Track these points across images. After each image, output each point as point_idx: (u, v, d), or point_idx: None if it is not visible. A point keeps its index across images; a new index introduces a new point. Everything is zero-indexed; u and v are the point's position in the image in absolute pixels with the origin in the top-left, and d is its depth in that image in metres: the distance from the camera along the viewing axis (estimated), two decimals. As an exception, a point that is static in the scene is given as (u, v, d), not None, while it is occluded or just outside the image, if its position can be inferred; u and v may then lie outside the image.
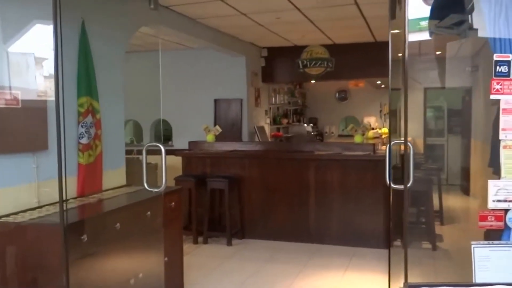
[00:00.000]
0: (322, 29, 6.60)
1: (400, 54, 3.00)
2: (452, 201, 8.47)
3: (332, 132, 11.01)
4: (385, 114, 10.49)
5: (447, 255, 5.78)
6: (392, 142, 3.55)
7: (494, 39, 2.74)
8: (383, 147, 6.72)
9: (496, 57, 2.74)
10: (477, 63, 9.51)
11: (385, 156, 6.09)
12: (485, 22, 2.72)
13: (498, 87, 2.71)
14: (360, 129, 6.31)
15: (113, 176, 4.45)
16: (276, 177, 6.35)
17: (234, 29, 6.84)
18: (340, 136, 11.00)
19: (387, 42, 7.79)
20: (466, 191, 9.84)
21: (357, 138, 6.28)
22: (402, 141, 3.65)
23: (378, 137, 7.84)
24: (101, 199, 3.88)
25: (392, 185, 3.57)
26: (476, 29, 2.99)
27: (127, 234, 3.57)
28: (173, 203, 4.36)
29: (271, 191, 6.38)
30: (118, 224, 3.42)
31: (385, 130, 9.27)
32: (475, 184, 9.81)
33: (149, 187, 3.54)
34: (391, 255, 5.84)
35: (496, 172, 5.14)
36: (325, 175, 6.13)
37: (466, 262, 5.85)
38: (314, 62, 8.18)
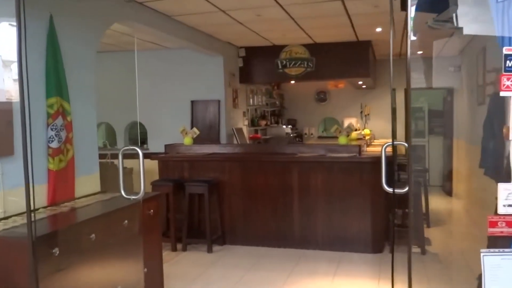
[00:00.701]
0: (304, 27, 6.41)
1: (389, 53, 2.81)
2: (436, 203, 8.39)
3: (312, 134, 10.84)
4: (366, 115, 10.38)
5: (436, 259, 5.64)
6: (388, 144, 3.36)
7: (503, 31, 2.53)
8: (368, 149, 6.56)
9: (505, 50, 2.53)
10: (459, 63, 9.52)
11: (370, 158, 5.95)
12: (491, 13, 2.52)
13: (508, 83, 2.49)
14: (345, 130, 6.12)
15: (87, 183, 4.14)
16: (258, 181, 6.11)
17: (211, 28, 6.58)
18: (320, 137, 10.85)
19: (370, 42, 7.66)
20: (448, 192, 9.81)
21: (342, 140, 6.09)
22: (402, 142, 3.47)
23: (362, 138, 7.69)
24: (74, 208, 3.57)
25: (388, 189, 3.38)
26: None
27: (103, 245, 3.28)
28: (152, 210, 4.07)
29: (253, 195, 6.14)
30: (93, 235, 3.13)
31: (367, 131, 9.14)
32: (457, 184, 9.80)
33: (126, 194, 3.24)
34: (381, 260, 5.71)
35: (488, 173, 5.01)
36: (309, 178, 5.92)
37: (457, 267, 5.72)
38: (293, 62, 7.98)
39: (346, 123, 10.58)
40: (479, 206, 7.54)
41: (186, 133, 6.70)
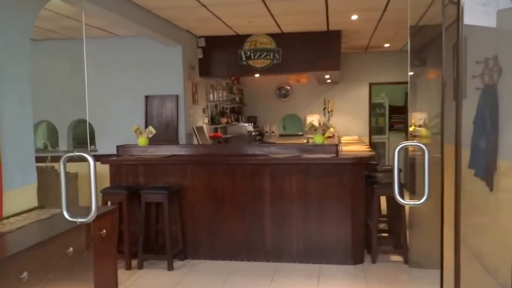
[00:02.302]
0: (273, 11, 5.74)
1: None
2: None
3: (273, 132, 10.22)
4: (329, 112, 9.88)
5: (422, 270, 5.15)
6: (402, 144, 2.76)
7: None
8: (345, 148, 6.00)
9: None
10: (426, 56, 9.19)
11: (350, 158, 5.38)
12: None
13: None
14: (321, 128, 5.52)
15: (19, 197, 3.29)
16: (224, 186, 5.40)
17: (170, 12, 5.78)
18: (281, 136, 10.25)
19: (340, 32, 7.05)
20: (412, 190, 9.48)
21: (318, 139, 5.49)
22: (414, 143, 2.88)
23: (332, 136, 7.14)
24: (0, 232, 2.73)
25: (402, 201, 2.78)
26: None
27: (40, 284, 2.48)
28: (104, 230, 3.28)
29: (218, 202, 5.42)
30: (25, 274, 2.33)
31: (332, 128, 8.61)
32: (419, 183, 9.48)
33: (71, 216, 2.45)
34: (365, 272, 5.15)
35: (479, 174, 4.53)
36: (283, 182, 5.28)
37: (445, 278, 5.19)
38: (259, 54, 7.31)
39: (309, 120, 10.06)
40: (451, 206, 7.18)
41: (140, 133, 5.88)
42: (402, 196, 2.76)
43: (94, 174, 2.45)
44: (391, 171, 6.68)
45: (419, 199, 2.73)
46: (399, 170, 2.78)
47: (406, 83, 10.06)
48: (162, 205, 5.22)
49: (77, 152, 2.48)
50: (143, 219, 5.25)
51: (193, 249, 5.49)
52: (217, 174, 5.42)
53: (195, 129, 6.84)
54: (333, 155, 5.31)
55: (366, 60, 9.73)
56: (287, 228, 5.32)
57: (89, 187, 2.47)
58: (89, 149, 6.87)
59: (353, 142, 7.70)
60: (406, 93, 10.76)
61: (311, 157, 5.21)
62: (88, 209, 2.45)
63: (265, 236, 5.36)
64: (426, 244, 5.94)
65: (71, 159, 2.51)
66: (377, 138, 10.78)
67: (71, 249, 2.77)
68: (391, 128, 11.63)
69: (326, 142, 5.77)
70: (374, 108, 10.83)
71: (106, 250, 3.32)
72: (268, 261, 5.33)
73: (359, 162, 5.18)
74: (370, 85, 9.85)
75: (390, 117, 11.65)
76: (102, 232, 3.23)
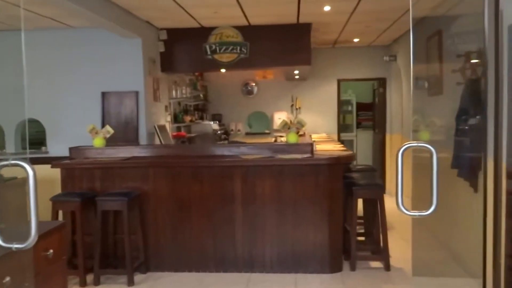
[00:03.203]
0: (241, 0, 5.29)
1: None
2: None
3: (239, 130, 9.77)
4: (297, 109, 9.53)
5: (404, 276, 4.86)
6: (406, 145, 2.38)
7: None
8: (318, 147, 5.63)
9: None
10: (395, 51, 8.98)
11: (326, 159, 5.01)
12: None
13: None
14: (294, 126, 5.13)
15: None
16: (190, 191, 4.93)
17: (129, 0, 5.25)
18: (247, 134, 9.82)
19: (310, 25, 6.66)
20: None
21: (291, 137, 5.10)
22: (420, 143, 2.51)
23: (303, 134, 6.77)
24: None
25: (407, 212, 2.41)
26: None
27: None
28: (51, 250, 2.76)
29: (184, 208, 4.95)
30: None
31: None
32: (391, 182, 9.32)
33: (4, 241, 1.94)
34: (344, 282, 4.79)
35: (462, 174, 4.24)
36: (255, 185, 4.86)
37: (430, 285, 4.87)
38: (225, 47, 6.84)
39: (276, 117, 9.69)
40: (424, 206, 6.97)
41: (96, 133, 5.33)
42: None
43: (34, 188, 1.94)
44: (366, 170, 6.41)
45: (427, 209, 2.38)
46: (402, 176, 2.41)
47: (374, 79, 9.87)
48: (121, 213, 4.70)
49: (20, 156, 1.97)
50: (99, 229, 4.71)
51: (156, 261, 4.99)
52: (182, 177, 4.94)
53: (157, 128, 6.32)
54: (308, 155, 4.93)
55: (334, 56, 9.44)
56: (260, 235, 4.91)
57: (28, 202, 1.96)
58: (27, 151, 6.21)
59: (324, 140, 7.37)
60: (374, 90, 10.56)
61: (285, 158, 4.81)
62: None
63: (236, 245, 4.93)
64: (430, 250, 5.68)
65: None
66: (344, 136, 10.53)
67: (7, 279, 2.25)
68: (358, 125, 11.43)
69: (296, 140, 5.39)
70: (341, 105, 10.57)
71: (53, 274, 2.80)
72: (240, 271, 4.91)
73: (336, 163, 4.82)
74: (339, 81, 9.57)
75: (357, 115, 11.44)
76: (48, 253, 2.71)
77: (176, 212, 4.96)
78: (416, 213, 2.40)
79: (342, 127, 10.44)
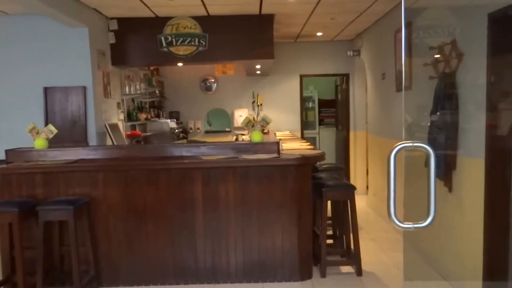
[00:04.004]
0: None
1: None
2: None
3: (198, 128, 9.28)
4: (259, 106, 9.14)
5: (376, 280, 4.56)
6: (400, 145, 2.02)
7: None
8: (285, 146, 5.26)
9: None
10: (359, 46, 8.72)
11: (294, 159, 4.64)
12: None
13: None
14: (259, 123, 4.73)
15: None
16: (146, 196, 4.44)
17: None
18: (207, 132, 9.36)
19: (273, 16, 6.24)
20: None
21: (256, 136, 4.69)
22: (416, 143, 2.16)
23: (267, 132, 6.39)
24: None
25: (401, 225, 2.06)
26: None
27: None
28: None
29: (139, 216, 4.46)
30: None
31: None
32: (355, 180, 9.10)
33: None
34: (312, 286, 4.45)
35: (437, 174, 3.96)
36: (217, 188, 4.43)
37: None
38: (182, 39, 6.35)
39: (237, 115, 9.28)
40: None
41: (37, 133, 4.74)
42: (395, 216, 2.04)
43: None
44: (333, 169, 6.08)
45: (424, 220, 2.03)
46: (395, 182, 2.05)
47: (337, 75, 9.62)
48: (66, 223, 4.16)
49: None
50: (41, 242, 4.15)
51: (109, 275, 4.48)
52: (136, 181, 4.44)
53: (108, 127, 5.76)
54: (275, 154, 4.54)
55: (296, 51, 9.11)
56: (223, 243, 4.49)
57: None
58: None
59: (289, 138, 7.02)
60: (336, 86, 10.32)
61: (250, 158, 4.40)
62: None
63: (198, 254, 4.48)
64: (370, 248, 5.40)
65: None
66: (307, 133, 10.24)
67: None
68: (321, 122, 11.18)
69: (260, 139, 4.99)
70: (303, 102, 10.27)
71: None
72: (202, 283, 4.48)
73: (306, 163, 4.46)
74: (301, 77, 9.25)
75: (319, 111, 11.19)
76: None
77: (130, 220, 4.45)
78: (410, 225, 2.05)
79: (304, 125, 10.14)
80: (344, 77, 9.38)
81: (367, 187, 8.42)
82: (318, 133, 10.97)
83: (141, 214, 4.44)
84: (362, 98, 9.13)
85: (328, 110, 11.13)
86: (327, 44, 9.09)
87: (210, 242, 4.48)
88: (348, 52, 8.53)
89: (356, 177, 9.08)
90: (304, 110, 10.13)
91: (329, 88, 10.98)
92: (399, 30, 6.07)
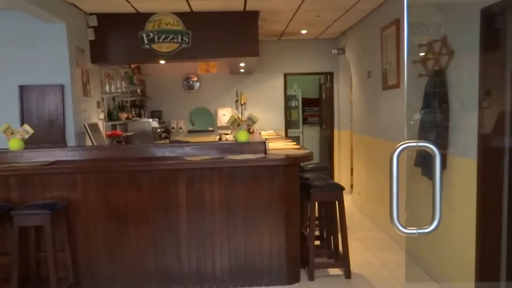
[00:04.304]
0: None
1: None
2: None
3: (181, 128, 9.09)
4: (242, 105, 9.00)
5: (366, 283, 4.47)
6: (404, 145, 1.90)
7: None
8: (271, 146, 5.12)
9: None
10: (343, 44, 8.64)
11: (282, 159, 4.50)
12: None
13: None
14: (245, 122, 4.59)
15: None
16: (127, 199, 4.26)
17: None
18: (190, 132, 9.17)
19: (258, 13, 6.12)
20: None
21: (242, 136, 4.55)
22: (421, 143, 2.04)
23: (252, 132, 6.24)
24: None
25: (405, 230, 1.94)
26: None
27: None
28: None
29: (121, 219, 4.28)
30: None
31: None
32: (339, 179, 9.02)
33: None
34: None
35: (427, 173, 3.89)
36: (202, 190, 4.28)
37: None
38: (164, 36, 6.16)
39: (220, 114, 9.12)
40: (377, 202, 6.69)
41: (12, 133, 4.52)
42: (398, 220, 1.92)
43: None
44: (319, 169, 5.97)
45: (428, 226, 1.91)
46: (397, 184, 1.93)
47: (321, 73, 9.52)
48: (43, 228, 3.96)
49: None
50: (16, 248, 3.94)
51: (89, 281, 4.29)
52: (117, 184, 4.26)
53: (87, 127, 5.55)
54: (262, 155, 4.41)
55: (281, 49, 8.98)
56: (208, 246, 4.34)
57: None
58: None
59: (274, 138, 6.90)
60: (320, 85, 10.23)
61: (236, 159, 4.25)
62: None
63: (182, 258, 4.32)
64: (357, 249, 5.30)
65: None
66: (291, 132, 10.13)
67: None
68: (304, 121, 11.08)
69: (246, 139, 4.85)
70: (287, 101, 10.15)
71: None
72: (186, 287, 4.32)
73: (294, 163, 4.33)
74: (285, 75, 9.13)
75: (303, 110, 11.09)
76: None
77: (111, 224, 4.27)
78: (414, 230, 1.93)
79: (288, 124, 10.03)
80: (328, 76, 9.30)
81: (352, 186, 8.34)
82: (302, 132, 10.86)
83: (123, 218, 4.25)
84: (347, 96, 9.06)
85: (312, 109, 11.04)
86: (312, 42, 8.99)
87: (195, 245, 4.33)
88: (333, 50, 8.44)
89: (341, 176, 9.00)
90: (287, 109, 10.02)
91: (312, 86, 10.88)
92: (386, 27, 5.99)
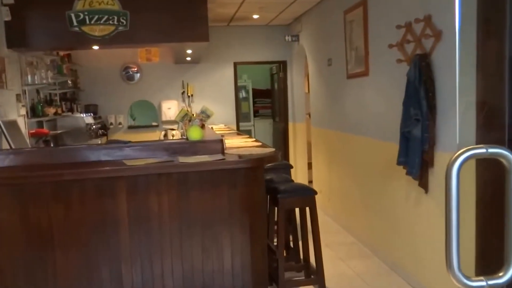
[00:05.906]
0: None
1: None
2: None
3: (120, 124, 8.15)
4: (189, 96, 8.18)
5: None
6: (467, 153, 1.24)
7: None
8: (227, 143, 4.38)
9: None
10: (297, 31, 8.01)
11: (245, 161, 3.74)
12: None
13: None
14: (199, 117, 3.84)
15: None
16: (52, 216, 3.39)
17: None
18: (130, 128, 8.25)
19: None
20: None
21: (195, 133, 3.79)
22: (492, 150, 1.39)
23: (203, 127, 5.45)
24: None
25: (467, 282, 1.28)
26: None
27: None
28: None
29: (44, 242, 3.40)
30: None
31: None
32: (296, 175, 8.45)
33: None
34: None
35: (411, 173, 3.37)
36: (147, 201, 3.49)
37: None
38: (97, 17, 5.24)
39: (165, 107, 8.28)
40: (341, 202, 6.16)
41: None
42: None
43: None
44: (281, 168, 5.29)
45: (503, 274, 1.27)
46: (458, 213, 1.27)
47: (273, 62, 8.88)
48: None
49: None
50: None
51: (4, 321, 3.39)
52: (39, 198, 3.37)
53: (2, 126, 4.57)
54: (220, 155, 3.67)
55: (230, 36, 8.25)
56: (157, 268, 3.56)
57: None
58: None
59: (228, 133, 6.17)
60: (272, 75, 9.61)
61: (189, 162, 3.49)
62: None
63: (125, 285, 3.52)
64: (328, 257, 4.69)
65: None
66: (242, 126, 9.45)
67: None
68: (255, 114, 10.43)
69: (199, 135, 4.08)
70: (237, 91, 9.45)
71: None
72: (132, 320, 3.52)
73: (259, 165, 3.62)
74: (235, 64, 8.41)
75: (254, 102, 10.43)
76: None
77: (31, 249, 3.38)
78: (484, 282, 1.26)
79: (239, 116, 9.33)
80: (281, 65, 8.67)
81: (310, 182, 7.79)
82: (253, 125, 10.22)
83: (46, 240, 3.38)
84: (302, 87, 8.49)
85: (263, 100, 10.41)
86: (263, 29, 8.32)
87: (140, 268, 3.53)
88: (286, 37, 7.81)
89: (297, 172, 8.43)
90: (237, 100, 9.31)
91: (263, 76, 10.24)
92: (351, 9, 5.39)
